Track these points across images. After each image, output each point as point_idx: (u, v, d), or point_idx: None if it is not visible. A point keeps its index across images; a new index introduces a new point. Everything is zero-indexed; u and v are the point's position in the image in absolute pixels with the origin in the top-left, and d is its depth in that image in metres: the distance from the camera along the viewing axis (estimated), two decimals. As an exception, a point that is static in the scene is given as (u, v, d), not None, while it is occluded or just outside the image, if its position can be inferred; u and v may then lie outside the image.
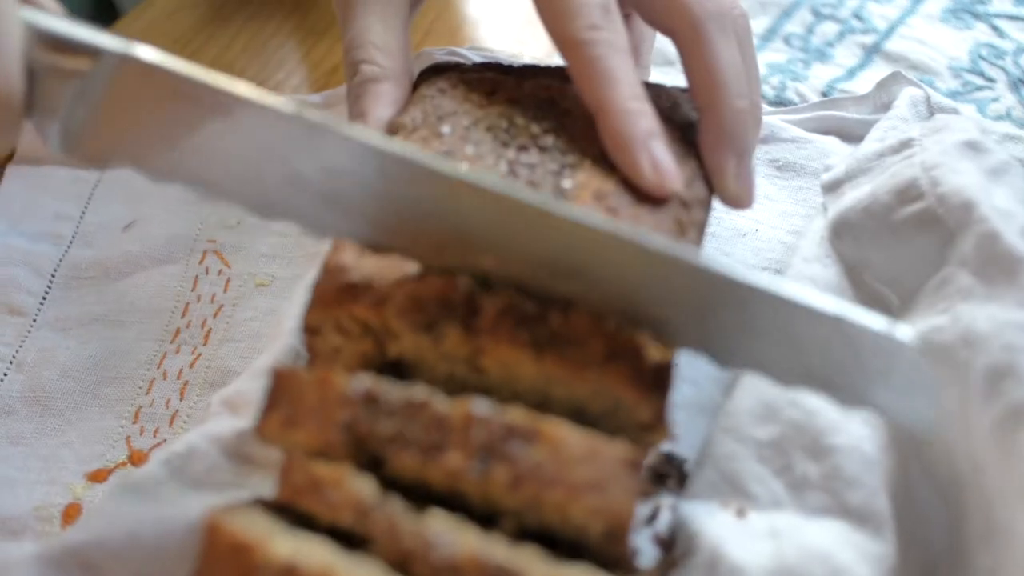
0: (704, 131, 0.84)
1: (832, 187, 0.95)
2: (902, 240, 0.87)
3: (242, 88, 0.71)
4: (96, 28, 0.72)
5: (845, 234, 0.90)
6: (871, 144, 0.95)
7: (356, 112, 0.89)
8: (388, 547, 0.66)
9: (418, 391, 0.69)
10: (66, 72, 0.72)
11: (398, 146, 0.69)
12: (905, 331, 0.68)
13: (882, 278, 0.90)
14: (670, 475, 0.81)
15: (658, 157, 0.79)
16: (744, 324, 0.71)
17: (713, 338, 0.72)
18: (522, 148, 0.82)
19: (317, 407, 0.71)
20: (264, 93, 0.71)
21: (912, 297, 0.87)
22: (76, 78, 0.72)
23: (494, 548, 0.66)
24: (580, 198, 0.79)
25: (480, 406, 0.68)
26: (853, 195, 0.91)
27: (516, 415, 0.68)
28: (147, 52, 0.71)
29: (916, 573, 0.80)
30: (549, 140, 0.82)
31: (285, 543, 0.66)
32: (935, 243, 0.85)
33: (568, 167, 0.81)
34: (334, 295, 0.75)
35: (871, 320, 0.69)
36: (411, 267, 0.74)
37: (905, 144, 0.91)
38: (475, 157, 0.81)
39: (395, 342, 0.74)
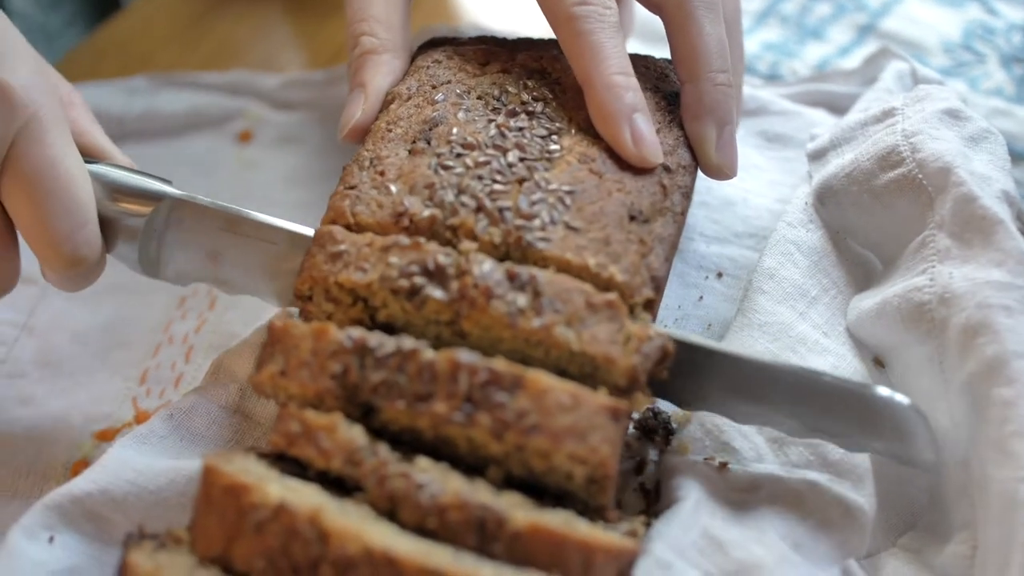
0: (686, 103, 0.87)
1: (817, 155, 0.97)
2: (884, 205, 0.89)
3: (264, 216, 0.86)
4: (153, 179, 0.87)
5: (829, 200, 0.92)
6: (855, 114, 0.97)
7: (356, 82, 0.91)
8: (376, 492, 0.69)
9: (407, 341, 0.72)
10: (134, 214, 0.87)
11: None
12: (902, 396, 0.74)
13: (865, 242, 0.92)
14: (656, 431, 0.83)
15: (640, 130, 0.82)
16: (752, 392, 0.77)
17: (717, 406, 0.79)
18: (512, 114, 0.84)
19: (310, 358, 0.73)
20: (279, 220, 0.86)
21: (893, 260, 0.90)
22: (142, 218, 0.87)
23: (478, 492, 0.68)
24: (566, 160, 0.81)
25: (465, 355, 0.71)
26: (837, 163, 0.93)
27: (500, 364, 0.71)
28: (202, 197, 0.87)
29: (897, 527, 0.82)
30: (539, 107, 0.85)
31: (277, 486, 0.68)
32: (915, 207, 0.87)
33: (556, 132, 0.83)
34: (322, 264, 0.78)
35: (879, 389, 0.74)
36: (394, 239, 0.77)
37: (888, 113, 0.93)
38: (466, 122, 0.84)
39: (383, 309, 0.76)
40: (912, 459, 0.75)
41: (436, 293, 0.74)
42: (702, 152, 0.86)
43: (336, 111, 1.18)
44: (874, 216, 0.90)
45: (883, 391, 0.74)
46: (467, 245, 0.75)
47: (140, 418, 0.95)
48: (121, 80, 1.23)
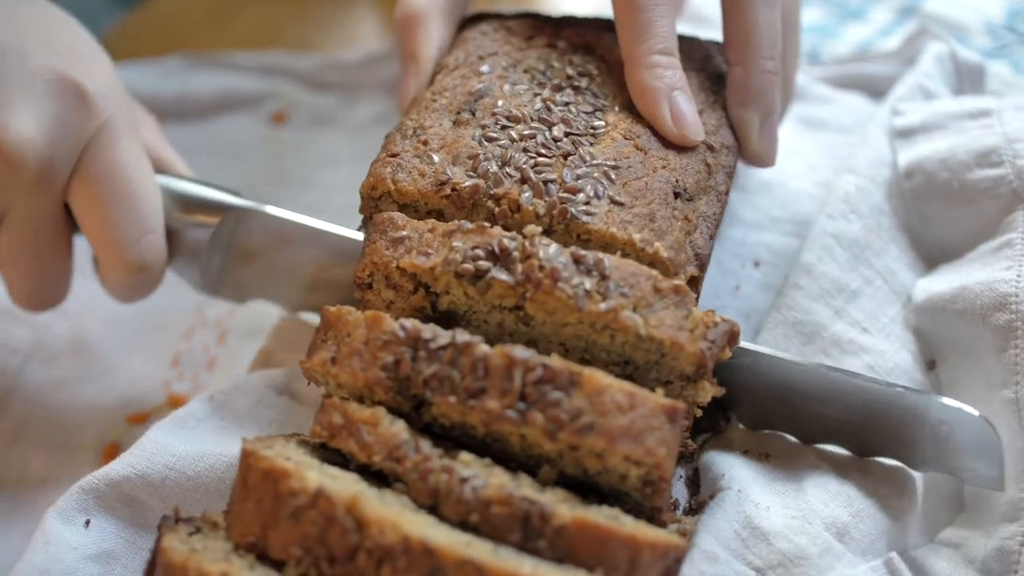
0: (732, 87, 0.85)
1: (905, 133, 0.95)
2: (969, 199, 0.89)
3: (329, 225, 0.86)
4: (222, 191, 0.86)
5: (917, 176, 0.91)
6: (947, 104, 0.97)
7: (407, 53, 0.89)
8: (419, 487, 0.67)
9: (462, 334, 0.70)
10: (201, 224, 0.86)
11: None
12: (970, 408, 0.73)
13: (936, 229, 0.92)
14: (720, 424, 0.81)
15: (680, 109, 0.80)
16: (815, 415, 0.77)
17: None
18: (558, 88, 0.82)
19: (363, 347, 0.71)
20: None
21: (962, 254, 0.89)
22: (209, 229, 0.86)
23: (523, 488, 0.66)
24: (611, 136, 0.79)
25: (521, 351, 0.68)
26: (929, 146, 0.92)
27: (556, 361, 0.68)
28: (271, 208, 0.86)
29: (937, 522, 0.80)
30: (584, 82, 0.83)
31: (316, 473, 0.66)
32: (1001, 210, 0.88)
33: (601, 108, 0.81)
34: (383, 250, 0.76)
35: (945, 400, 0.73)
36: (456, 224, 0.75)
37: (983, 112, 0.93)
38: (512, 95, 0.82)
39: (445, 295, 0.74)
40: (976, 477, 0.74)
41: (502, 276, 0.71)
42: (743, 137, 0.85)
43: (371, 93, 1.17)
44: (956, 207, 0.90)
45: (949, 402, 0.73)
46: (531, 228, 0.73)
47: (173, 401, 0.94)
48: (156, 60, 1.22)
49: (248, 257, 0.87)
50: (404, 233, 0.75)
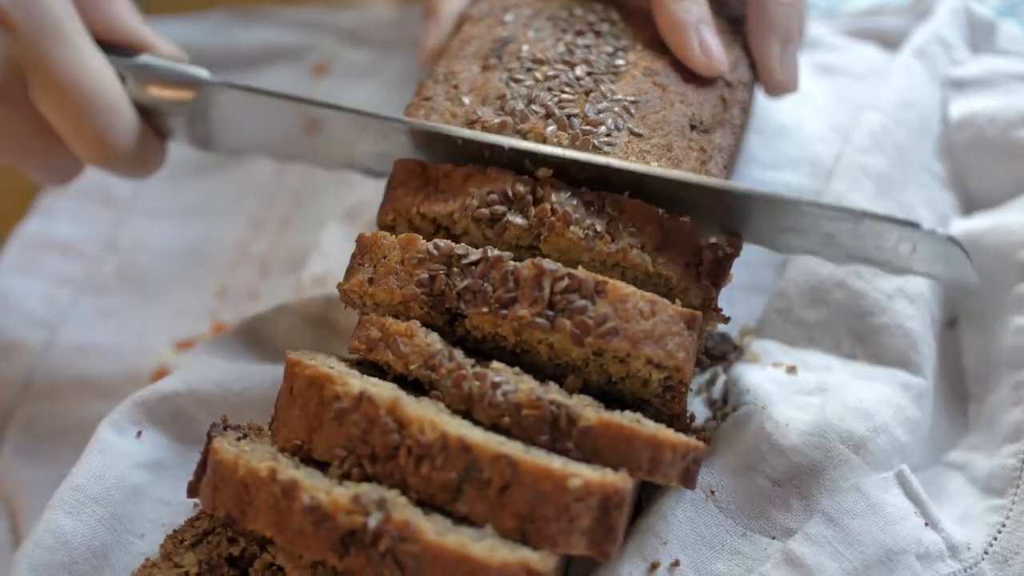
0: (751, 20, 0.87)
1: (960, 84, 0.97)
2: (1012, 154, 0.91)
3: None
4: (191, 68, 0.86)
5: (967, 128, 0.94)
6: (1006, 61, 1.00)
7: (429, 9, 0.91)
8: (453, 393, 0.69)
9: (492, 250, 0.72)
10: (175, 101, 0.86)
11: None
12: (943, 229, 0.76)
13: (974, 180, 0.94)
14: (727, 353, 0.83)
15: (707, 40, 0.82)
16: (787, 226, 0.76)
17: (763, 237, 0.78)
18: (579, 33, 0.84)
19: (398, 266, 0.73)
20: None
21: (995, 206, 0.91)
22: (186, 104, 0.86)
23: (551, 392, 0.68)
24: (631, 73, 0.81)
25: (549, 262, 0.70)
26: (983, 101, 0.95)
27: (582, 271, 0.70)
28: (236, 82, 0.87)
29: (942, 444, 0.82)
30: (605, 27, 0.84)
31: (358, 380, 0.68)
32: None
33: (622, 49, 0.83)
34: (404, 196, 0.78)
35: (920, 223, 0.73)
36: (474, 168, 0.76)
37: None
38: (535, 40, 0.83)
39: (464, 236, 0.76)
40: (953, 280, 0.75)
41: (516, 219, 0.73)
42: (766, 67, 0.87)
43: (405, 48, 1.19)
44: (999, 162, 0.92)
45: (924, 225, 0.72)
46: (544, 171, 0.75)
47: (217, 329, 0.96)
48: (200, 15, 1.23)
49: (227, 125, 0.88)
50: (422, 182, 0.78)
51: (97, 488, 0.75)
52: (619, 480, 0.63)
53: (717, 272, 0.74)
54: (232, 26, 1.22)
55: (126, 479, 0.77)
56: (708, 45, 0.82)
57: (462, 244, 0.72)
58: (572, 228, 0.72)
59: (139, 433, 0.79)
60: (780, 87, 0.88)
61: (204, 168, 1.10)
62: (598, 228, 0.73)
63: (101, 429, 0.78)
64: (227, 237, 1.04)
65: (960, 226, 0.89)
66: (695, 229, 0.75)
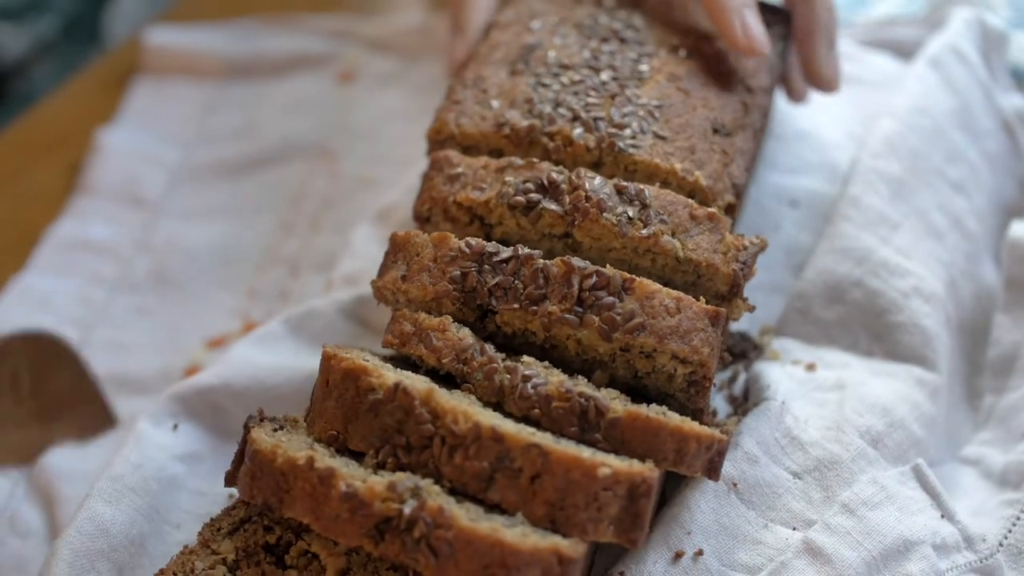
0: (799, 22, 0.90)
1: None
2: None
3: None
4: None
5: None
6: None
7: (455, 22, 0.93)
8: (484, 386, 0.70)
9: (523, 248, 0.73)
10: None
11: None
12: None
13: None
14: (748, 351, 0.85)
15: (750, 23, 0.84)
16: None
17: None
18: (604, 39, 0.86)
19: (431, 264, 0.74)
20: None
21: None
22: None
23: (579, 386, 0.70)
24: (655, 79, 0.83)
25: (578, 260, 0.72)
26: None
27: (610, 269, 0.72)
28: None
29: (957, 441, 0.84)
30: (629, 33, 0.86)
31: (392, 373, 0.70)
32: None
33: (646, 55, 0.85)
34: (441, 186, 0.79)
35: None
36: (508, 160, 0.78)
37: None
38: (562, 47, 0.85)
39: (499, 225, 0.78)
40: None
41: (552, 206, 0.75)
42: (813, 66, 0.90)
43: (429, 56, 1.20)
44: None
45: None
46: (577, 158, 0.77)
47: (248, 328, 0.97)
48: (229, 22, 1.25)
49: None
50: (459, 170, 0.79)
51: (135, 478, 0.77)
52: (646, 469, 0.64)
53: (745, 261, 0.76)
54: (260, 34, 1.24)
55: (163, 471, 0.78)
56: (750, 27, 0.84)
57: (493, 242, 0.74)
58: (605, 215, 0.74)
59: (175, 426, 0.81)
60: (827, 84, 0.91)
61: (234, 171, 1.12)
62: (630, 215, 0.74)
63: (139, 421, 0.80)
64: (257, 239, 1.05)
65: (1017, 230, 0.91)
66: (729, 216, 0.77)
